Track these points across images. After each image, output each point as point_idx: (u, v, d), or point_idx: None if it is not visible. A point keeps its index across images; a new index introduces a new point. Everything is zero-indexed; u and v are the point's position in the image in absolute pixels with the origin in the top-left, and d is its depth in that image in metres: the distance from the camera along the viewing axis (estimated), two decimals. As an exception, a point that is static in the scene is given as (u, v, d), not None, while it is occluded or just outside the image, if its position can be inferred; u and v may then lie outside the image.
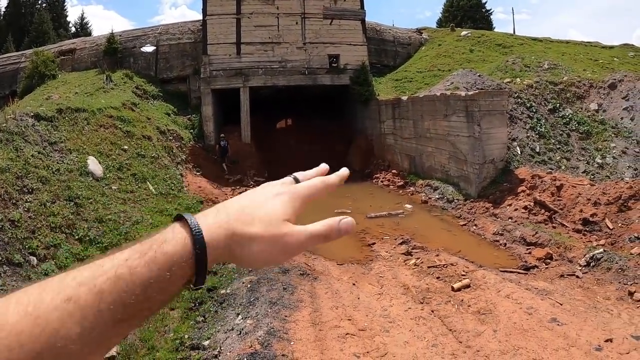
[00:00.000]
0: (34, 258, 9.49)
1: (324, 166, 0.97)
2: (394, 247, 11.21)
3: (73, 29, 58.81)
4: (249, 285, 8.62)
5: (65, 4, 62.71)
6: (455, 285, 8.57)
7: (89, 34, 50.27)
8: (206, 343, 7.26)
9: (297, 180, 0.88)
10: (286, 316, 7.47)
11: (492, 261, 10.20)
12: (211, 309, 8.28)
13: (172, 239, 0.66)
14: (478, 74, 20.37)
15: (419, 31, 30.65)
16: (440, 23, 49.08)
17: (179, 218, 0.71)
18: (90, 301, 0.57)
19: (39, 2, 59.05)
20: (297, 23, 24.28)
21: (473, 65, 23.24)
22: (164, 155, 17.79)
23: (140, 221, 12.57)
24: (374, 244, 11.62)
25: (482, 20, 47.66)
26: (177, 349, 7.36)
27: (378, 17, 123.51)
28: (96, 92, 20.95)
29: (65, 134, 14.50)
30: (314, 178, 0.89)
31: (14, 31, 51.42)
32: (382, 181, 19.36)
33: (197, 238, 0.66)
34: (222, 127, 22.92)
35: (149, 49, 26.02)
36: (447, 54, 26.10)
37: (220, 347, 6.95)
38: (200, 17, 24.84)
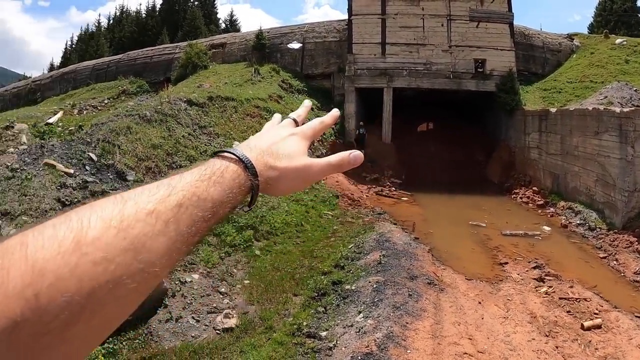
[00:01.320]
0: None
1: (308, 103, 1.11)
2: (527, 271, 10.34)
3: (223, 25, 62.67)
4: (374, 285, 8.44)
5: (216, 1, 67.14)
6: (586, 324, 7.81)
7: (238, 30, 53.27)
8: (323, 334, 7.34)
9: (295, 121, 1.00)
10: (407, 323, 7.25)
11: (629, 303, 9.02)
12: (333, 302, 8.29)
13: (229, 167, 0.73)
14: (635, 89, 18.43)
15: (570, 37, 28.08)
16: (592, 28, 45.13)
17: (221, 152, 0.78)
18: (171, 215, 0.59)
19: (191, 0, 63.52)
20: (442, 25, 23.49)
21: (629, 78, 20.83)
22: (305, 147, 17.89)
23: (277, 207, 12.84)
24: (506, 263, 10.84)
25: (637, 26, 43.34)
26: (293, 333, 7.47)
27: (525, 20, 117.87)
28: (244, 83, 22.00)
29: (214, 120, 15.31)
30: (314, 120, 1.00)
31: (168, 26, 55.98)
32: (521, 197, 17.93)
33: (250, 168, 0.75)
34: (365, 123, 22.71)
35: (295, 45, 26.69)
36: (600, 63, 23.59)
37: (337, 341, 6.97)
38: (343, 16, 25.06)
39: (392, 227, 12.29)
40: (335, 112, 1.07)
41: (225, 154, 0.76)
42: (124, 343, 7.52)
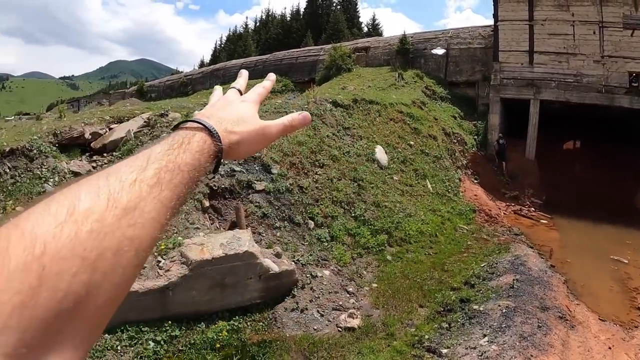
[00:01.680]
0: (312, 222, 10.58)
1: (245, 72, 1.18)
2: None
3: (365, 29, 63.57)
4: (504, 310, 8.06)
5: (358, 5, 68.55)
6: None
7: (380, 34, 53.71)
8: (444, 351, 7.16)
9: (239, 91, 1.06)
10: (532, 356, 6.83)
11: None
12: (459, 320, 8.06)
13: (195, 135, 0.77)
14: None
15: None
16: None
17: (183, 122, 0.82)
18: (153, 182, 0.62)
19: (334, 4, 65.61)
20: (594, 32, 21.15)
21: None
22: (446, 156, 17.70)
23: (413, 215, 12.70)
24: None
25: None
26: (414, 345, 7.44)
27: None
28: (388, 87, 22.06)
29: (358, 122, 15.47)
30: (256, 86, 1.07)
31: (311, 28, 57.92)
32: None
33: (214, 134, 0.79)
34: (507, 137, 21.45)
35: (439, 51, 26.19)
36: None
37: (457, 361, 6.55)
38: (485, 21, 24.02)
39: (528, 251, 11.64)
40: (271, 75, 1.15)
41: (188, 124, 0.81)
42: (248, 323, 7.91)
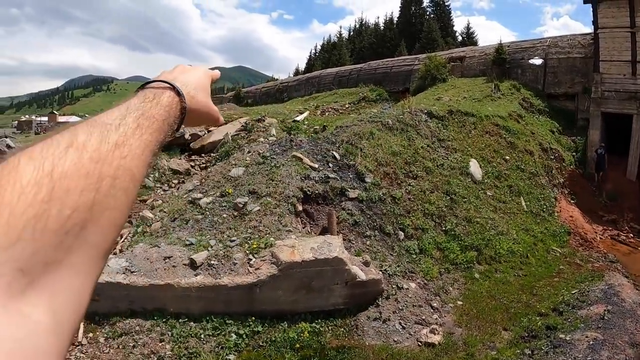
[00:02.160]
0: (402, 233, 10.55)
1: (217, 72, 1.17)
2: None
3: (459, 38, 62.48)
4: (591, 342, 7.61)
5: (451, 14, 67.53)
6: None
7: (475, 43, 52.60)
8: None
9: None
10: None
11: None
12: (543, 348, 7.71)
13: (165, 92, 0.85)
14: None
15: None
16: None
17: (152, 82, 0.89)
18: (134, 127, 0.69)
19: (427, 13, 65.07)
20: None
21: None
22: (542, 173, 17.03)
23: (505, 233, 12.39)
24: None
25: None
26: None
27: None
28: (484, 99, 21.53)
29: (452, 134, 15.32)
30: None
31: (405, 37, 57.81)
32: None
33: (181, 95, 0.87)
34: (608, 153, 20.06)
35: (537, 61, 25.17)
36: None
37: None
38: (584, 28, 22.69)
39: (623, 280, 10.90)
40: (217, 73, 1.17)
41: (155, 83, 0.88)
42: (329, 327, 8.03)
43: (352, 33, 73.34)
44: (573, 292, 10.02)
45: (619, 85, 20.49)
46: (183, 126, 0.92)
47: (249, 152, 12.00)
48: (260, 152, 11.75)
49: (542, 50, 25.74)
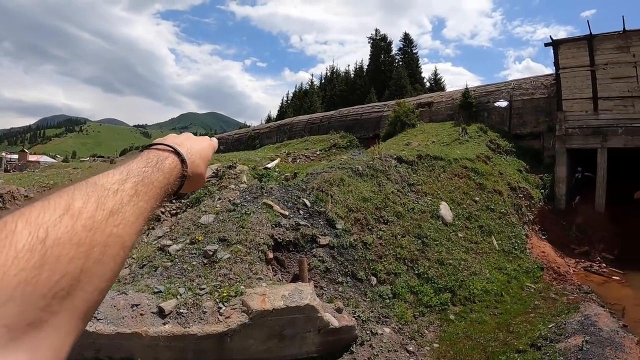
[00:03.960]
0: (374, 278, 10.50)
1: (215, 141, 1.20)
2: None
3: (427, 84, 64.39)
4: None
5: (419, 61, 70.01)
6: None
7: (442, 89, 54.35)
8: None
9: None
10: None
11: None
12: None
13: (168, 158, 0.88)
14: None
15: None
16: None
17: (156, 144, 0.93)
18: (132, 193, 0.72)
19: (396, 60, 67.45)
20: None
21: None
22: (512, 212, 17.29)
23: (478, 273, 12.45)
24: None
25: None
26: None
27: None
28: (452, 142, 21.94)
29: (422, 178, 15.54)
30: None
31: (375, 84, 59.57)
32: None
33: (184, 163, 0.90)
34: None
35: (502, 104, 25.93)
36: None
37: None
38: (545, 70, 23.70)
39: (599, 310, 11.03)
40: (215, 141, 1.20)
41: (161, 146, 0.91)
42: None
43: (323, 81, 75.02)
44: (550, 326, 10.02)
45: (582, 121, 21.36)
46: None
47: (219, 199, 11.98)
48: (231, 199, 11.74)
49: (506, 92, 26.60)
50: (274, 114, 78.19)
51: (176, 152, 0.91)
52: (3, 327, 0.47)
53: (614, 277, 15.31)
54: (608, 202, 20.15)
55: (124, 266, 0.68)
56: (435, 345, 9.26)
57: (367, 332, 8.90)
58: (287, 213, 11.08)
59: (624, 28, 21.25)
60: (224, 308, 7.91)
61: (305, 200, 11.73)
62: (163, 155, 0.88)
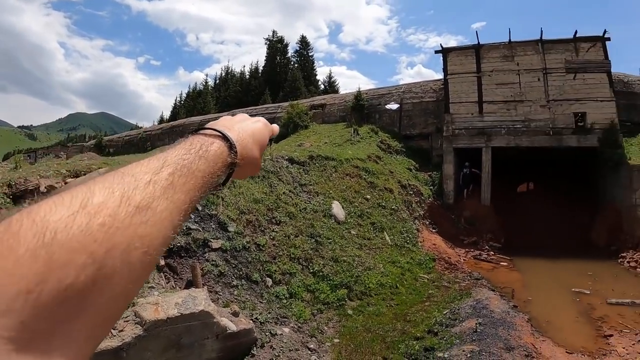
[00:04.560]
0: (270, 280, 10.48)
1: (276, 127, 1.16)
2: (633, 344, 9.32)
3: (322, 86, 65.34)
4: (468, 355, 8.06)
5: (315, 64, 71.01)
6: None
7: (336, 91, 55.34)
8: None
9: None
10: None
11: None
12: None
13: (214, 143, 0.81)
14: None
15: None
16: None
17: (203, 129, 0.86)
18: (166, 184, 0.64)
19: (292, 62, 67.94)
20: (538, 79, 22.60)
21: None
22: (403, 208, 17.97)
23: (372, 268, 12.75)
24: (610, 336, 9.86)
25: None
26: None
27: (623, 66, 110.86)
28: (344, 143, 22.54)
29: (314, 178, 15.70)
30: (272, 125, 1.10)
31: (270, 86, 59.42)
32: (628, 261, 16.38)
33: (233, 148, 0.83)
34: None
35: (393, 106, 26.98)
36: None
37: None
38: (436, 75, 25.10)
39: (489, 294, 11.77)
40: (276, 127, 1.16)
41: (208, 131, 0.85)
42: None
43: (217, 81, 73.73)
44: (445, 312, 10.49)
45: (468, 123, 22.99)
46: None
47: None
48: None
49: (397, 96, 27.83)
50: (167, 115, 75.68)
51: (224, 137, 0.84)
52: (2, 339, 0.43)
53: (501, 263, 16.52)
54: (493, 196, 21.81)
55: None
56: (336, 340, 9.39)
57: (267, 333, 8.83)
58: (176, 218, 10.78)
59: (509, 39, 23.59)
60: (117, 322, 7.61)
61: (195, 204, 11.45)
62: (208, 141, 0.81)
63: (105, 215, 0.53)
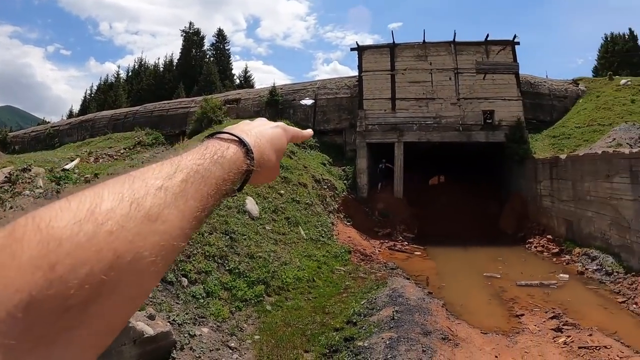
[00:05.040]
0: (186, 280, 10.27)
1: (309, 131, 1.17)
2: (544, 321, 10.06)
3: (237, 81, 64.37)
4: (387, 342, 8.25)
5: (230, 58, 69.67)
6: (607, 372, 7.46)
7: (252, 86, 54.75)
8: None
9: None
10: None
11: (652, 347, 8.72)
12: (345, 359, 8.12)
13: (229, 149, 0.78)
14: (642, 128, 18.29)
15: (575, 82, 28.02)
16: (597, 71, 44.70)
17: (219, 133, 0.83)
18: (178, 190, 0.63)
19: (208, 56, 66.26)
20: (450, 79, 23.85)
21: (636, 117, 20.68)
22: (318, 203, 18.21)
23: (289, 263, 12.84)
24: (522, 315, 10.56)
25: (640, 65, 42.62)
26: None
27: (531, 69, 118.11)
28: (255, 138, 22.29)
29: (226, 175, 15.43)
30: (295, 129, 1.07)
31: (184, 80, 57.56)
32: (535, 247, 17.64)
33: (250, 154, 0.80)
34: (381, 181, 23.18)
35: (308, 102, 27.19)
36: (606, 106, 23.54)
37: (349, 399, 6.67)
38: (352, 72, 25.63)
39: (405, 282, 12.18)
40: (310, 131, 1.17)
41: (225, 135, 0.82)
42: None
43: (130, 74, 70.36)
44: (362, 302, 10.72)
45: (381, 119, 23.68)
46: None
47: (11, 207, 10.84)
48: (24, 206, 10.72)
49: (312, 91, 28.14)
50: (77, 108, 70.94)
51: (241, 142, 0.81)
52: (2, 347, 0.43)
53: (415, 253, 17.19)
54: (406, 189, 22.70)
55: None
56: (256, 337, 9.41)
57: (185, 335, 8.68)
58: (87, 218, 10.42)
59: (424, 39, 24.74)
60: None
61: (105, 201, 11.09)
62: (224, 146, 0.78)
63: (114, 223, 0.52)
